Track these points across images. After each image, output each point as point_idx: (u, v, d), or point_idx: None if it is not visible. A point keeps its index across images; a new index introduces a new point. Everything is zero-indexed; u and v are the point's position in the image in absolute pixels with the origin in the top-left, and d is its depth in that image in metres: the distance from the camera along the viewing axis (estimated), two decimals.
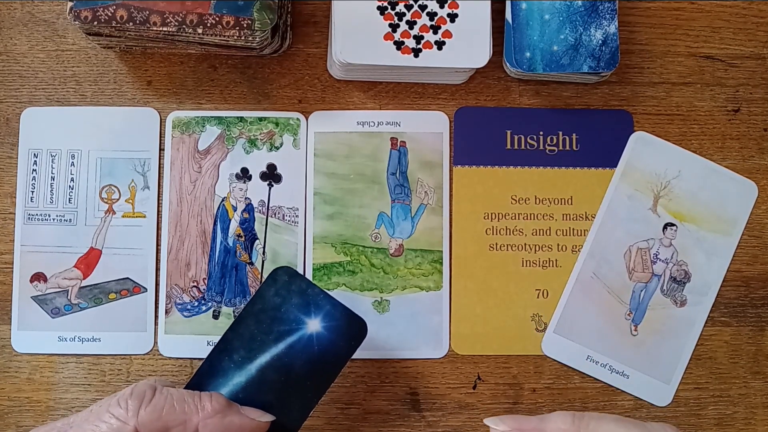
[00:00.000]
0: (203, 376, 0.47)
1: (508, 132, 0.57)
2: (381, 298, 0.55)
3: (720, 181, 0.57)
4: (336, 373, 0.48)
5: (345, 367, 0.48)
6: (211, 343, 0.54)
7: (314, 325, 0.48)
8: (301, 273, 0.55)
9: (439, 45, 0.53)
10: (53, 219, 0.55)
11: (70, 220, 0.55)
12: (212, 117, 0.56)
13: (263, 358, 0.47)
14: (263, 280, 0.55)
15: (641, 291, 0.56)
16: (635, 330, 0.55)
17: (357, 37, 0.52)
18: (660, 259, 0.56)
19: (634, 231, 0.56)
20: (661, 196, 0.56)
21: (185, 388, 0.47)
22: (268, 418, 0.46)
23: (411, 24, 0.53)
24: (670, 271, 0.56)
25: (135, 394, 0.43)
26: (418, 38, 0.53)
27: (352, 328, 0.48)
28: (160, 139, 0.56)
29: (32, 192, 0.55)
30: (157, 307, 0.55)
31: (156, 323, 0.55)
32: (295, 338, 0.47)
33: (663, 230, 0.56)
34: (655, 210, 0.56)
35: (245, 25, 0.51)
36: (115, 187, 0.55)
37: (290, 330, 0.48)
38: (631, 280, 0.56)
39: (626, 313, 0.55)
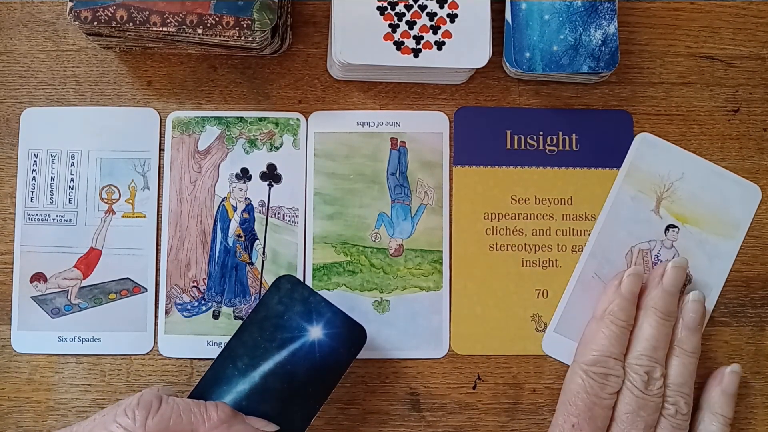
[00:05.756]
0: (207, 384, 0.48)
1: (508, 132, 0.57)
2: (381, 298, 0.55)
3: (723, 184, 0.56)
4: (337, 380, 0.48)
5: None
6: (211, 344, 0.54)
7: (316, 332, 0.48)
8: (302, 276, 0.55)
9: (439, 45, 0.53)
10: (53, 219, 0.55)
11: (70, 220, 0.55)
12: (212, 117, 0.56)
13: (266, 366, 0.48)
14: (262, 281, 0.55)
15: None
16: None
17: (357, 37, 0.52)
18: (661, 261, 0.56)
19: (636, 232, 0.56)
20: (664, 197, 0.56)
21: (189, 396, 0.48)
22: (273, 428, 0.47)
23: (411, 24, 0.53)
24: None
25: (142, 404, 0.43)
26: (418, 38, 0.53)
27: (352, 334, 0.49)
28: (160, 139, 0.56)
29: (32, 192, 0.55)
30: (157, 307, 0.55)
31: (156, 323, 0.55)
32: (298, 345, 0.48)
33: (665, 232, 0.56)
34: (658, 211, 0.56)
35: (245, 26, 0.51)
36: (115, 187, 0.55)
37: (293, 337, 0.48)
38: None
39: None
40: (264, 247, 0.55)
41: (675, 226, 0.56)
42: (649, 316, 0.51)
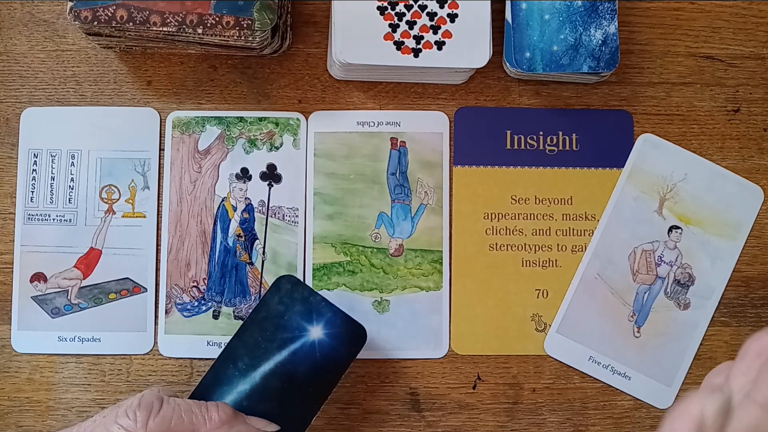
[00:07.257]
0: (208, 385, 0.48)
1: (508, 132, 0.57)
2: (381, 298, 0.55)
3: (726, 186, 0.56)
4: (337, 380, 0.48)
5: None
6: (211, 343, 0.54)
7: (316, 332, 0.48)
8: (302, 276, 0.55)
9: (439, 45, 0.53)
10: (53, 219, 0.55)
11: (70, 220, 0.55)
12: (212, 117, 0.56)
13: (267, 366, 0.48)
14: (262, 281, 0.55)
15: (645, 293, 0.56)
16: (638, 332, 0.55)
17: (357, 37, 0.52)
18: (664, 262, 0.55)
19: (639, 233, 0.56)
20: (666, 198, 0.56)
21: (190, 397, 0.48)
22: (273, 427, 0.47)
23: (411, 24, 0.53)
24: (674, 274, 0.56)
25: (143, 405, 0.43)
26: (418, 38, 0.53)
27: (352, 334, 0.49)
28: (160, 139, 0.56)
29: (32, 192, 0.55)
30: (157, 307, 0.55)
31: (156, 323, 0.55)
32: (298, 345, 0.48)
33: (668, 233, 0.56)
34: (661, 212, 0.56)
35: (245, 25, 0.51)
36: (115, 187, 0.55)
37: (293, 337, 0.48)
38: (635, 281, 0.56)
39: (629, 314, 0.55)
40: (264, 247, 0.55)
41: (678, 227, 0.56)
42: None
